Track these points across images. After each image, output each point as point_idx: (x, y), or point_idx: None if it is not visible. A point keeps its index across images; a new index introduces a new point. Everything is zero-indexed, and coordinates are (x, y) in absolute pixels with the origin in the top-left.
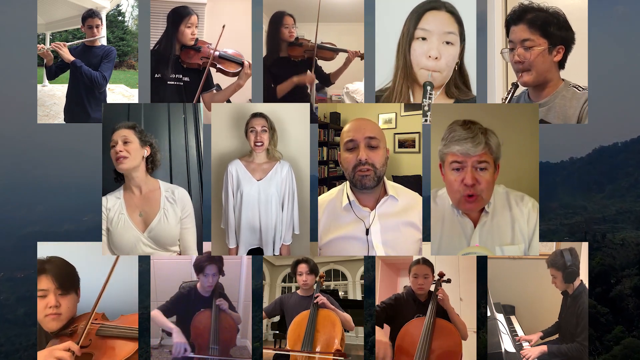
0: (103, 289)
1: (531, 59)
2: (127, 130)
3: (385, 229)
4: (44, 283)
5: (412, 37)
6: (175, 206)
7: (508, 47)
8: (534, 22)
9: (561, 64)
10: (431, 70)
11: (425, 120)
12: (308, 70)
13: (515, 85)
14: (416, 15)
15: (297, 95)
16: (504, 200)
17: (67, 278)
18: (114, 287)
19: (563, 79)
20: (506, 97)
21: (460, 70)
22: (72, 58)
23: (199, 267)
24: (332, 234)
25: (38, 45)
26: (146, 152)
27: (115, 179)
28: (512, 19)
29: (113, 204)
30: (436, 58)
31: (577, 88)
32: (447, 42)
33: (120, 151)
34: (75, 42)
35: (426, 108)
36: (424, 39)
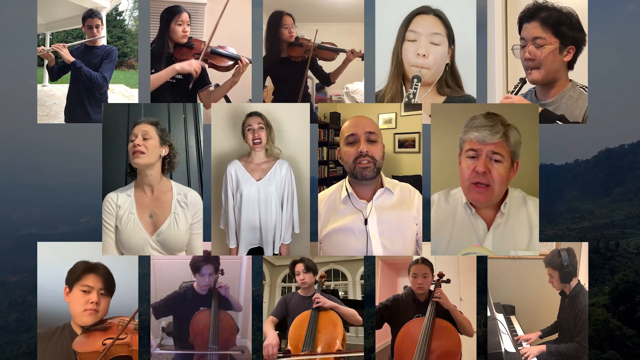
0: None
1: (541, 57)
2: (149, 126)
3: (382, 220)
4: (91, 281)
5: (404, 39)
6: (186, 211)
7: (520, 43)
8: (547, 21)
9: (570, 65)
10: (420, 67)
11: (410, 101)
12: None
13: (523, 81)
14: (407, 20)
15: (298, 69)
16: (521, 203)
17: (109, 282)
18: (126, 290)
19: (570, 80)
20: (512, 91)
21: (451, 71)
22: (72, 59)
23: (195, 267)
24: (331, 226)
25: (39, 47)
26: (164, 151)
27: (128, 174)
28: (526, 16)
29: (124, 201)
30: (424, 55)
31: (584, 89)
32: (434, 43)
33: (139, 145)
34: (76, 42)
35: (411, 96)
36: (413, 40)
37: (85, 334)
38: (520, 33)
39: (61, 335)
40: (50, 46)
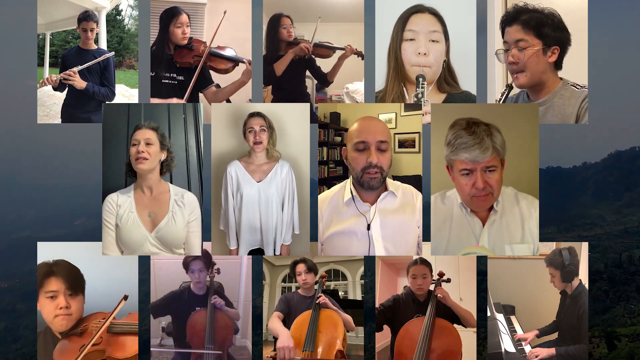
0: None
1: (525, 59)
2: (151, 132)
3: (385, 223)
4: (54, 284)
5: (401, 39)
6: (183, 210)
7: (503, 48)
8: (528, 23)
9: (557, 65)
10: (422, 66)
11: (419, 100)
12: (301, 44)
13: (509, 87)
14: (403, 19)
15: (297, 69)
16: (513, 200)
17: (75, 279)
18: (113, 288)
19: (561, 78)
20: (500, 98)
21: (448, 67)
22: (84, 84)
23: (185, 265)
24: (334, 228)
25: (49, 76)
26: (163, 156)
27: (126, 173)
28: (507, 20)
29: (124, 201)
30: (425, 54)
31: (575, 86)
32: (433, 40)
33: (142, 152)
34: (85, 66)
35: (420, 96)
36: (412, 39)
37: (66, 339)
38: (503, 37)
39: (45, 339)
40: (59, 74)
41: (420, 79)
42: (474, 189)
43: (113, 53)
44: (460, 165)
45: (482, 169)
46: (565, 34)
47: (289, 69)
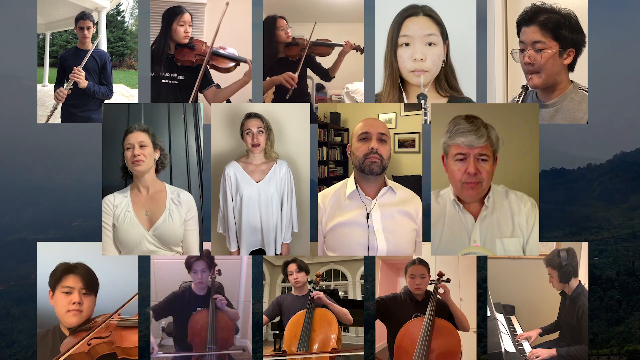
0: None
1: (542, 61)
2: (143, 134)
3: (385, 216)
4: (71, 281)
5: (396, 45)
6: (180, 208)
7: (518, 47)
8: (546, 25)
9: (571, 67)
10: (419, 71)
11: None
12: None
13: (525, 88)
14: (397, 24)
15: (281, 96)
16: (503, 196)
17: (91, 280)
18: (114, 288)
19: (572, 81)
20: (518, 100)
21: (449, 67)
22: (86, 83)
23: (188, 265)
24: (336, 220)
25: (58, 91)
26: (157, 155)
27: (122, 176)
28: (524, 20)
29: (120, 201)
30: (422, 60)
31: (586, 91)
32: (430, 44)
33: (138, 155)
34: (83, 62)
35: (423, 117)
36: (407, 44)
37: (73, 335)
38: (519, 36)
39: (53, 337)
40: (60, 76)
41: (422, 101)
42: (466, 175)
43: (99, 39)
44: (455, 150)
45: (476, 156)
46: (581, 36)
47: (287, 69)
